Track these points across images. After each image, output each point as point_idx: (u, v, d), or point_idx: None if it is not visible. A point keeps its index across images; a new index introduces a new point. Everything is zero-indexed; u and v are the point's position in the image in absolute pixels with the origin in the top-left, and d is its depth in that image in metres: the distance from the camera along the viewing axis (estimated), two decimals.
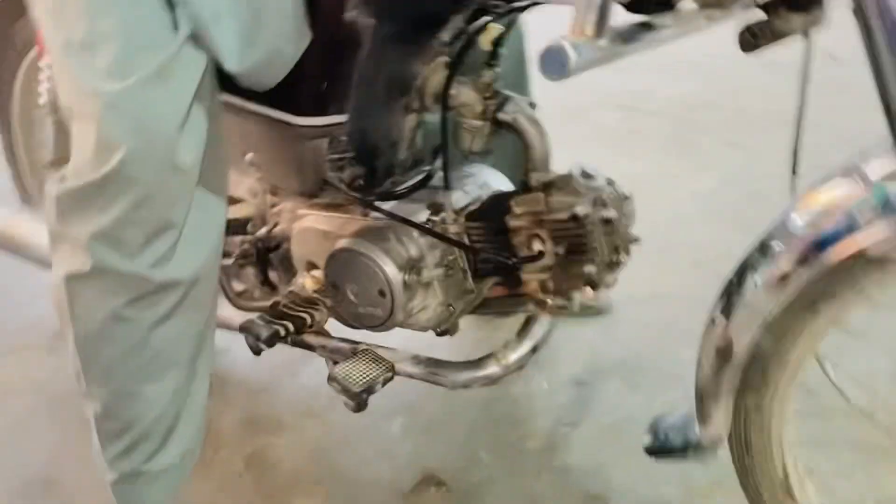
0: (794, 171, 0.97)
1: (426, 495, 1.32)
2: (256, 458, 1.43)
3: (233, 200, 1.37)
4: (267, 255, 1.27)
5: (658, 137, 2.87)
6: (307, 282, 1.21)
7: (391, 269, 1.07)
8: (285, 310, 1.13)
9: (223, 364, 1.63)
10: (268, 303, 1.21)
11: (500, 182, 1.23)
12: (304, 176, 1.15)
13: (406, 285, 1.08)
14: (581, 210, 1.03)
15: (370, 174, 1.19)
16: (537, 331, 1.13)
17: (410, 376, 1.16)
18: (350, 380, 1.04)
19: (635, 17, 0.87)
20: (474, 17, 1.07)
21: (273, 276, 1.31)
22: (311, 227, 1.18)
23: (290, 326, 1.11)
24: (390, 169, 1.21)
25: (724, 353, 0.99)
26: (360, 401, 1.04)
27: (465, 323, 1.25)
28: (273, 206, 1.29)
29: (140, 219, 0.91)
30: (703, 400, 1.03)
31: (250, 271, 1.29)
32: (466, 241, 1.13)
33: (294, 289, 1.24)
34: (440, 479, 1.36)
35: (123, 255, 0.92)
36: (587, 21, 0.76)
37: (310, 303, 1.16)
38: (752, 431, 1.02)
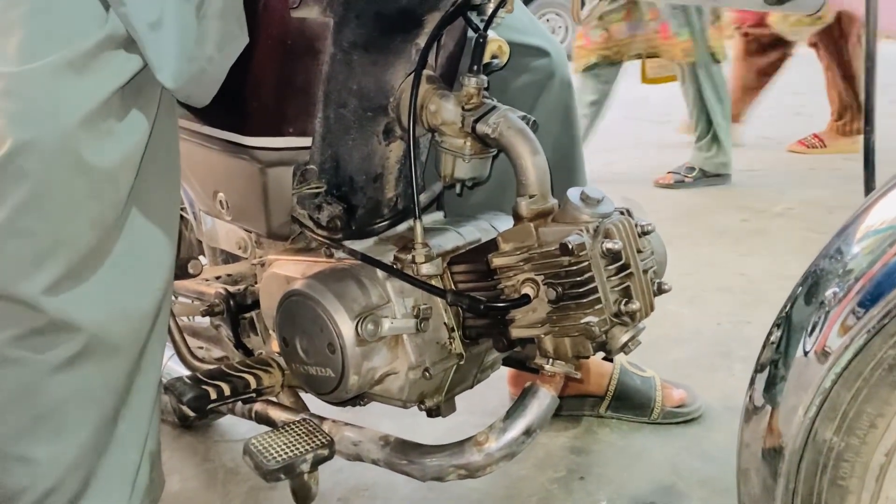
0: (867, 167, 0.67)
1: None
2: None
3: (234, 258, 1.23)
4: (240, 315, 1.09)
5: (785, 240, 2.50)
6: (275, 342, 1.02)
7: (342, 318, 0.86)
8: (226, 370, 0.94)
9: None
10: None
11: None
12: (269, 213, 0.99)
13: (360, 338, 0.85)
14: (573, 239, 0.77)
15: (350, 214, 1.00)
16: (533, 408, 0.85)
17: (374, 462, 0.91)
18: (267, 454, 0.81)
19: None
20: (453, 17, 0.89)
21: (251, 340, 1.13)
22: (275, 274, 1.00)
23: (226, 389, 0.91)
24: (376, 208, 1.02)
25: (773, 459, 0.68)
26: (274, 480, 0.80)
27: None
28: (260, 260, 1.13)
29: (29, 226, 0.76)
30: None
31: (224, 332, 1.11)
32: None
33: (263, 352, 1.05)
34: None
35: (8, 272, 0.77)
36: None
37: (260, 364, 0.96)
38: None
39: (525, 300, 0.81)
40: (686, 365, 1.70)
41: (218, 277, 1.22)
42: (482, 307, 0.82)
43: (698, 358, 1.72)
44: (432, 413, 0.98)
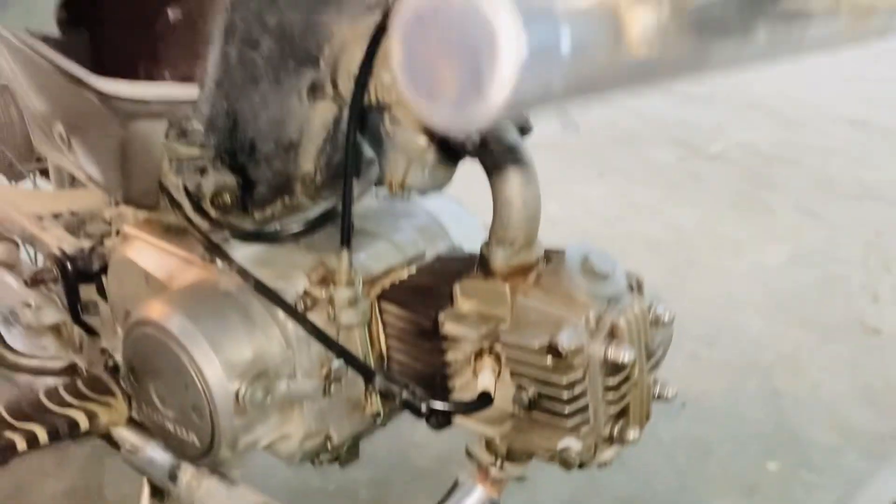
0: None
1: None
2: None
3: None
4: (81, 283, 0.80)
5: (721, 189, 2.35)
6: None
7: (217, 379, 0.59)
8: (45, 403, 0.66)
9: None
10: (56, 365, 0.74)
11: (464, 227, 0.75)
12: (129, 174, 0.68)
13: (240, 406, 0.60)
14: (566, 340, 0.53)
15: (246, 189, 0.71)
16: None
17: None
18: None
19: None
20: None
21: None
22: (128, 260, 0.71)
23: (41, 435, 0.63)
24: (284, 186, 0.73)
25: None
26: None
27: None
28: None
29: None
30: None
31: (56, 304, 0.82)
32: (379, 337, 0.65)
33: (108, 347, 0.77)
34: None
35: None
36: None
37: (96, 389, 0.69)
38: None
39: (484, 403, 0.57)
40: None
41: (60, 216, 0.90)
42: (422, 409, 0.57)
43: None
44: (328, 464, 0.75)
